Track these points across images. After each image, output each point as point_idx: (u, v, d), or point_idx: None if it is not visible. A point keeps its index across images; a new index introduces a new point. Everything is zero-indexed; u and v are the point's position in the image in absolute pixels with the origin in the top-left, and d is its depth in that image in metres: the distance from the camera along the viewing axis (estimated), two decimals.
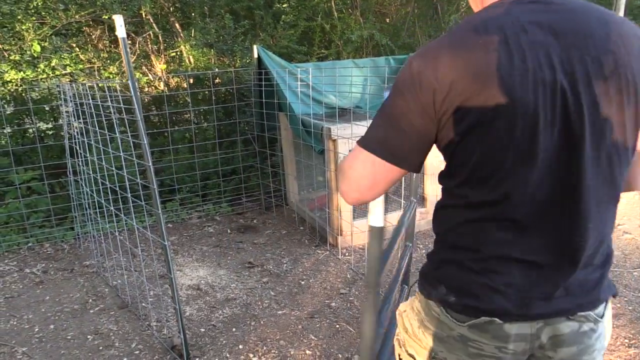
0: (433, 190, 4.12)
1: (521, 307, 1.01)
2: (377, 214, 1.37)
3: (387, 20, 6.74)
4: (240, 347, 2.74)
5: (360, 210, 3.98)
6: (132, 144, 2.74)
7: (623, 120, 0.95)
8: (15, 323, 3.11)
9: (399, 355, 1.25)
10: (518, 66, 0.90)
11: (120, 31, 2.23)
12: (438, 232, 1.13)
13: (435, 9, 6.54)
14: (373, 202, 1.34)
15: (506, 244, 1.00)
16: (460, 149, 0.97)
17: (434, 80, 0.93)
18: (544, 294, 1.01)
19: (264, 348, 2.72)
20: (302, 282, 3.45)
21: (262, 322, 2.98)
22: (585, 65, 0.91)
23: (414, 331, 1.17)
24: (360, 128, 3.63)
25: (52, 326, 3.05)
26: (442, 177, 1.08)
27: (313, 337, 2.78)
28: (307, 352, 2.66)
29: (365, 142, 1.04)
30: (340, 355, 2.61)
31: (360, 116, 4.01)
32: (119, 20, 2.21)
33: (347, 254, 3.84)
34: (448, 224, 1.08)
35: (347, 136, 3.62)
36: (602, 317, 1.07)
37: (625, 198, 4.83)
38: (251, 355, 2.67)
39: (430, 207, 4.14)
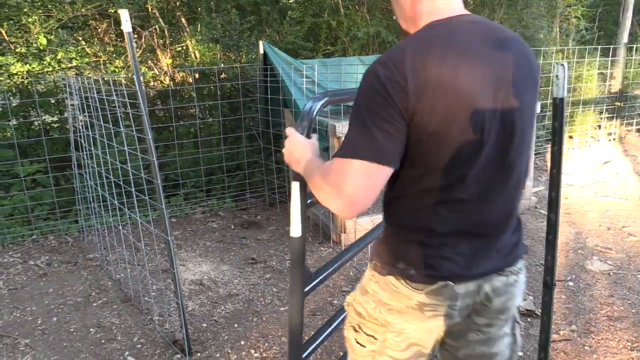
0: None
1: (467, 270, 1.24)
2: (296, 225, 1.46)
3: (394, 17, 6.72)
4: (242, 342, 2.74)
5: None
6: (136, 138, 2.74)
7: (531, 122, 1.27)
8: (18, 315, 3.12)
9: (356, 340, 1.36)
10: (477, 81, 1.12)
11: (126, 26, 2.23)
12: (394, 218, 1.29)
13: None
14: (295, 215, 1.45)
15: (454, 222, 1.22)
16: (427, 143, 1.13)
17: (405, 86, 1.08)
18: (483, 257, 1.26)
19: (266, 344, 2.72)
20: None
21: (264, 319, 2.98)
22: (517, 82, 1.18)
23: (369, 313, 1.32)
24: None
25: (55, 319, 3.06)
26: (402, 168, 1.18)
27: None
28: None
29: (356, 153, 1.11)
30: (341, 353, 2.61)
31: None
32: (124, 15, 2.21)
33: None
34: (405, 211, 1.25)
35: None
36: (521, 269, 1.36)
37: (631, 200, 4.80)
38: (252, 351, 2.67)
39: None
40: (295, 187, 1.43)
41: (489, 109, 1.14)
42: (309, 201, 1.50)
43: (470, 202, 1.21)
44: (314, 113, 1.46)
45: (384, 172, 1.12)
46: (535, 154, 4.59)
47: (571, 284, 3.25)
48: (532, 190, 4.66)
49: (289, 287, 1.60)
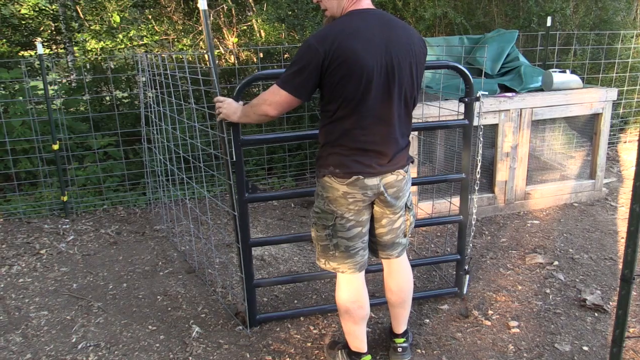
0: (503, 176, 4.00)
1: (372, 169, 1.99)
2: (235, 154, 2.47)
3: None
4: (302, 319, 2.79)
5: (426, 192, 3.93)
6: (207, 115, 2.81)
7: (412, 83, 1.98)
8: (91, 279, 3.30)
9: (316, 230, 2.14)
10: (368, 49, 1.84)
11: (202, 3, 2.27)
12: (324, 138, 2.02)
13: None
14: (235, 148, 2.46)
15: (361, 141, 1.95)
16: (337, 87, 1.87)
17: (323, 52, 1.83)
18: (379, 164, 2.00)
19: (325, 322, 2.76)
20: None
21: (323, 297, 3.02)
22: (398, 53, 1.90)
23: (321, 208, 2.09)
24: (432, 108, 3.55)
25: (125, 285, 3.22)
26: (325, 105, 1.96)
27: (373, 315, 2.80)
28: (367, 329, 2.67)
29: (283, 86, 1.92)
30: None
31: (431, 96, 3.93)
32: None
33: (410, 235, 3.80)
34: (332, 134, 1.98)
35: (417, 116, 3.55)
36: (407, 171, 2.13)
37: None
38: (312, 328, 2.71)
39: (499, 192, 4.03)
40: (233, 127, 2.41)
41: (376, 69, 1.86)
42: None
43: (366, 129, 1.93)
44: (243, 85, 2.38)
45: (290, 99, 1.93)
46: (608, 145, 4.38)
47: None
48: (603, 181, 4.46)
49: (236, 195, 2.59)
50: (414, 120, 3.53)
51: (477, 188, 2.99)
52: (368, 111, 1.91)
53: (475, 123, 2.71)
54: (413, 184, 3.62)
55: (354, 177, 1.97)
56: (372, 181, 2.00)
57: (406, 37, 1.93)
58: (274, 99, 1.96)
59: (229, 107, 2.24)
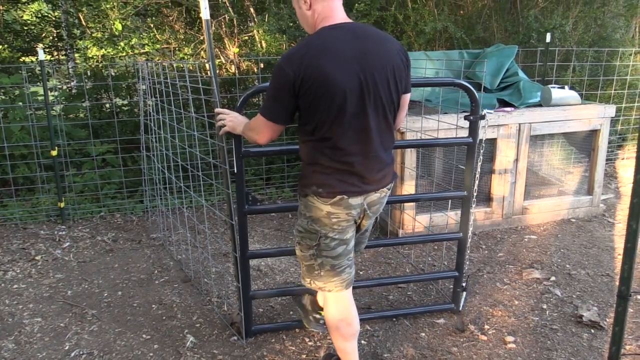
0: (500, 191, 4.00)
1: (356, 188, 1.94)
2: (237, 164, 2.43)
3: (462, 12, 6.57)
4: (297, 330, 2.78)
5: (424, 205, 3.92)
6: (207, 124, 2.81)
7: (391, 96, 1.91)
8: (86, 287, 3.28)
9: (300, 250, 2.10)
10: (338, 67, 1.78)
11: (205, 13, 2.28)
12: (304, 157, 1.99)
13: (513, 3, 6.30)
14: (237, 159, 2.42)
15: (341, 161, 1.90)
16: (311, 108, 1.83)
17: (292, 73, 1.78)
18: (365, 182, 1.95)
19: (320, 334, 2.74)
20: (361, 272, 3.45)
21: None
22: (372, 67, 1.83)
23: (305, 227, 2.04)
24: (430, 121, 3.56)
25: (119, 293, 3.20)
26: (302, 125, 1.93)
27: (369, 328, 2.78)
28: (363, 342, 2.66)
29: (263, 113, 1.92)
30: (394, 349, 2.60)
31: (430, 110, 3.94)
32: (204, 2, 2.26)
33: (407, 248, 3.80)
34: (311, 152, 1.94)
35: (416, 129, 3.57)
36: (389, 189, 2.09)
37: None
38: (307, 340, 2.70)
39: (496, 206, 4.03)
40: (235, 138, 2.37)
41: (348, 86, 1.80)
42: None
43: (345, 148, 1.87)
44: (246, 97, 2.41)
45: (274, 126, 1.91)
46: (606, 161, 4.39)
47: None
48: (601, 197, 4.47)
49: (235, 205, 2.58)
50: (416, 136, 3.59)
51: (474, 205, 2.99)
52: (345, 130, 1.85)
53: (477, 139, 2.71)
54: (414, 200, 3.66)
55: (338, 196, 1.91)
56: (356, 200, 1.95)
57: (382, 50, 1.86)
58: (260, 128, 1.96)
59: (234, 120, 2.23)
